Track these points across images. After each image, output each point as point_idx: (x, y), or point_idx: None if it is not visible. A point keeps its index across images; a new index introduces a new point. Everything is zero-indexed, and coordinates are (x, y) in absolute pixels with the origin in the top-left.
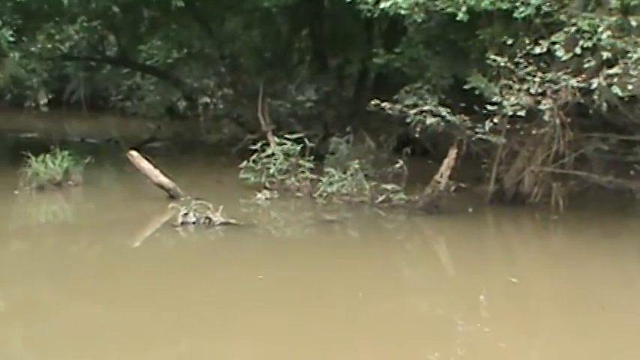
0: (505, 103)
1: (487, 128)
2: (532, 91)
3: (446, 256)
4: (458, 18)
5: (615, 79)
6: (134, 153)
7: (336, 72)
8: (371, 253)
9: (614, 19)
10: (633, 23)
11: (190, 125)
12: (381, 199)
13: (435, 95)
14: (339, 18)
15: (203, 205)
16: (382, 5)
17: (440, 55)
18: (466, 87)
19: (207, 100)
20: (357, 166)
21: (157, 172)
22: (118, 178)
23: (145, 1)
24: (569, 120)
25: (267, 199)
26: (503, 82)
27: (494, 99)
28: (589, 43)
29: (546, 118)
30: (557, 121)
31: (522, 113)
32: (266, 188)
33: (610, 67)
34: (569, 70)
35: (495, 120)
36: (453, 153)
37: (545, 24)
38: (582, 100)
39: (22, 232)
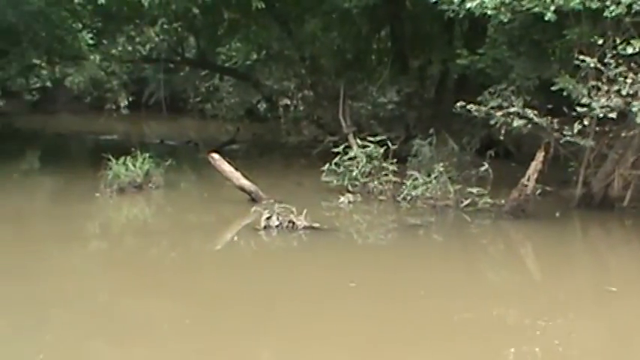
0: (594, 104)
1: (575, 130)
2: (623, 92)
3: (533, 262)
4: (546, 18)
5: None
6: (215, 155)
7: (418, 73)
8: (457, 258)
9: None
10: None
11: (270, 127)
12: (466, 202)
13: (519, 97)
14: (420, 18)
15: (286, 209)
16: (468, 5)
17: (524, 56)
18: (554, 88)
19: (288, 101)
20: (441, 169)
21: (238, 174)
22: (198, 181)
23: (224, 3)
24: None
25: (350, 202)
26: (592, 83)
27: (583, 100)
28: None
29: (637, 120)
30: None
31: (613, 115)
32: (349, 191)
33: None
34: None
35: (585, 122)
36: (540, 156)
37: (634, 23)
38: None
39: (103, 235)
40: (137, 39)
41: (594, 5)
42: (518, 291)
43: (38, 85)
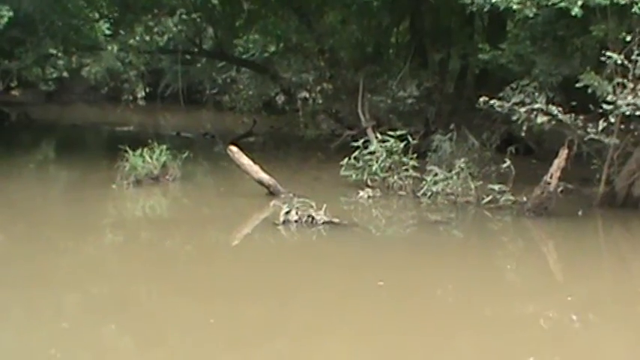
0: (620, 102)
1: (600, 128)
2: None
3: (555, 260)
4: (572, 13)
5: None
6: (234, 148)
7: (438, 67)
8: (478, 255)
9: None
10: None
11: (288, 120)
12: (487, 199)
13: (542, 93)
14: (440, 12)
15: (306, 203)
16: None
17: (547, 52)
18: (578, 85)
19: (306, 94)
20: (462, 165)
21: (256, 167)
22: (215, 174)
23: None
24: None
25: (369, 197)
26: (617, 80)
27: (608, 98)
28: None
29: None
30: None
31: (639, 113)
32: (368, 186)
33: None
34: None
35: (612, 119)
36: (563, 153)
37: None
38: None
39: (119, 226)
40: (155, 29)
41: (622, 1)
42: (539, 289)
43: (54, 75)
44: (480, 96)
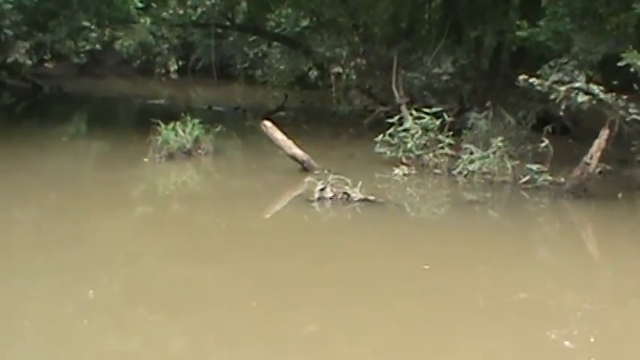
0: None
1: None
2: None
3: (593, 243)
4: None
5: None
6: (268, 123)
7: (473, 44)
8: (515, 238)
9: None
10: None
11: (320, 95)
12: (524, 179)
13: (582, 72)
14: None
15: (341, 180)
16: None
17: (586, 30)
18: (620, 64)
19: (340, 70)
20: (500, 144)
21: (290, 143)
22: (247, 148)
23: None
24: None
25: (404, 174)
26: None
27: None
28: None
29: None
30: None
31: None
32: (403, 164)
33: None
34: None
35: None
36: (604, 134)
37: None
38: None
39: (151, 201)
40: (188, 2)
41: None
42: (577, 273)
43: (87, 48)
44: (518, 74)
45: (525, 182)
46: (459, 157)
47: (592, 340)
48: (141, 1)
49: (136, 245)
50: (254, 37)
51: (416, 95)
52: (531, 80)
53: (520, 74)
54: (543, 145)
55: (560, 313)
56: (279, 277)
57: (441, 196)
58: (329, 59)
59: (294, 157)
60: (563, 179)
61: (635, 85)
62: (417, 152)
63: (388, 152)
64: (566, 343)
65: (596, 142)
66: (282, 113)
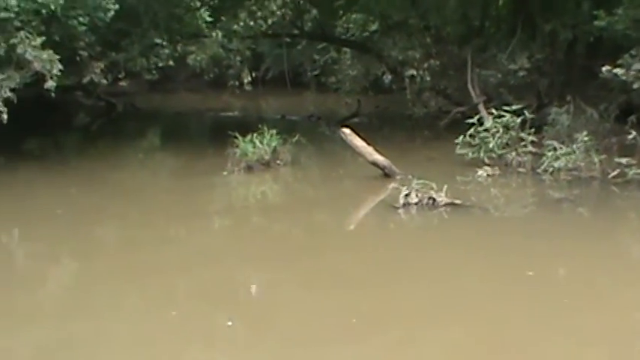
0: None
1: None
2: None
3: None
4: None
5: None
6: (347, 130)
7: (548, 38)
8: (608, 237)
9: None
10: None
11: (394, 99)
12: (613, 173)
13: None
14: None
15: (425, 185)
16: None
17: None
18: None
19: (414, 72)
20: (585, 138)
21: (370, 149)
22: (325, 156)
23: None
24: None
25: (488, 175)
26: None
27: None
28: None
29: None
30: None
31: None
32: (485, 164)
33: None
34: None
35: None
36: None
37: None
38: None
39: (234, 214)
40: (258, 13)
41: None
42: None
43: (160, 64)
44: (595, 65)
45: (615, 177)
46: (543, 155)
47: None
48: (210, 15)
49: (217, 260)
50: (322, 45)
51: (492, 93)
52: (615, 70)
53: (598, 65)
54: (631, 137)
55: None
56: (369, 290)
57: (527, 195)
58: (402, 62)
59: (374, 164)
60: None
61: None
62: (499, 152)
63: (470, 153)
64: None
65: None
66: (356, 119)
